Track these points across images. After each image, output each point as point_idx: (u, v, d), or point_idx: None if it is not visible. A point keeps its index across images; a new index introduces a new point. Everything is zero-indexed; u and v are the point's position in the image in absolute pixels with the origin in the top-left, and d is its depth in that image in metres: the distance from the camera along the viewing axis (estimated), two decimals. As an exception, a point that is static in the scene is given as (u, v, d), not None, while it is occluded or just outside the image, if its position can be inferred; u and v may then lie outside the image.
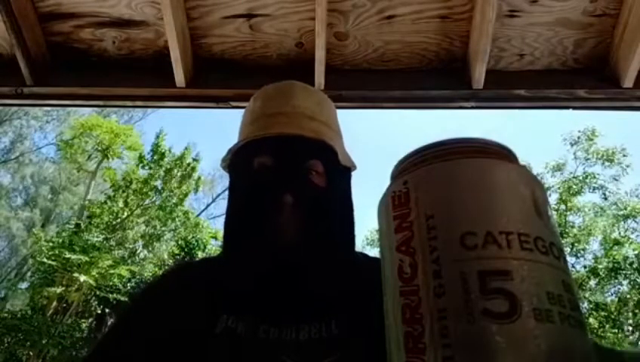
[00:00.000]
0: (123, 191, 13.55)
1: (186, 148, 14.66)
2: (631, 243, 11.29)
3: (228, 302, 0.71)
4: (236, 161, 0.82)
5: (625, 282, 11.09)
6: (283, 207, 0.71)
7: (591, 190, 11.92)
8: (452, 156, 0.20)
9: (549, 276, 0.17)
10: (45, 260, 11.31)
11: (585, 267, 11.53)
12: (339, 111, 0.91)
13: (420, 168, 0.20)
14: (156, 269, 12.63)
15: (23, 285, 14.73)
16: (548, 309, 0.16)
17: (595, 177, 11.82)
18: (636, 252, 11.07)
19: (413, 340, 0.17)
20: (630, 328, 10.84)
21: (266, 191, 0.73)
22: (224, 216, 0.81)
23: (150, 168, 14.01)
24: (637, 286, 10.88)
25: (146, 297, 0.81)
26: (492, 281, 0.16)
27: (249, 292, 0.71)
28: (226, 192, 0.86)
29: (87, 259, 11.14)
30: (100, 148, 15.69)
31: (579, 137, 12.11)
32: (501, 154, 0.20)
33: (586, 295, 11.35)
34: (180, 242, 13.26)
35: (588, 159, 11.99)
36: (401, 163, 0.22)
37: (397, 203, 0.20)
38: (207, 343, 0.69)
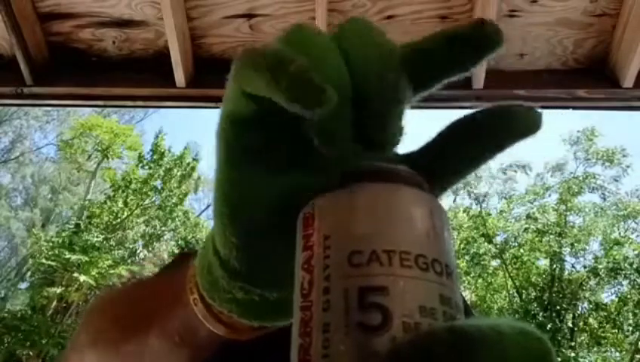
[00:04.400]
0: (123, 191, 13.53)
1: (185, 148, 14.64)
2: (631, 243, 11.29)
3: None
4: None
5: (625, 282, 11.08)
6: None
7: (591, 190, 11.92)
8: (351, 180, 0.21)
9: (424, 291, 0.17)
10: (45, 260, 11.31)
11: (585, 267, 11.52)
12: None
13: (324, 191, 0.21)
14: (156, 269, 12.62)
15: (23, 285, 14.71)
16: (417, 322, 0.17)
17: (595, 178, 11.82)
18: (636, 252, 11.07)
19: (303, 352, 0.18)
20: (630, 328, 10.84)
21: None
22: None
23: (150, 168, 13.99)
24: (637, 286, 10.88)
25: None
26: (370, 296, 0.17)
27: None
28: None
29: (87, 259, 11.14)
30: (99, 148, 15.68)
31: (579, 137, 12.11)
32: (401, 177, 0.21)
33: (586, 295, 11.35)
34: (179, 242, 13.26)
35: (588, 159, 11.98)
36: None
37: (305, 223, 0.21)
38: None
